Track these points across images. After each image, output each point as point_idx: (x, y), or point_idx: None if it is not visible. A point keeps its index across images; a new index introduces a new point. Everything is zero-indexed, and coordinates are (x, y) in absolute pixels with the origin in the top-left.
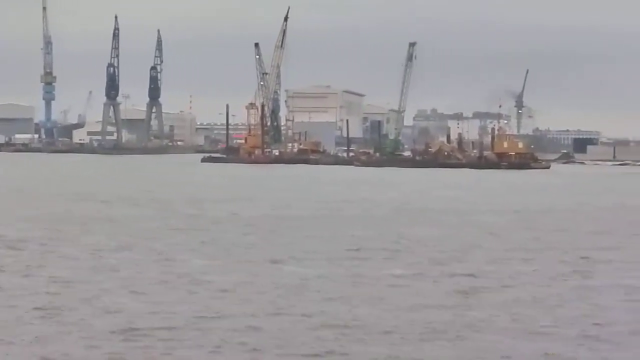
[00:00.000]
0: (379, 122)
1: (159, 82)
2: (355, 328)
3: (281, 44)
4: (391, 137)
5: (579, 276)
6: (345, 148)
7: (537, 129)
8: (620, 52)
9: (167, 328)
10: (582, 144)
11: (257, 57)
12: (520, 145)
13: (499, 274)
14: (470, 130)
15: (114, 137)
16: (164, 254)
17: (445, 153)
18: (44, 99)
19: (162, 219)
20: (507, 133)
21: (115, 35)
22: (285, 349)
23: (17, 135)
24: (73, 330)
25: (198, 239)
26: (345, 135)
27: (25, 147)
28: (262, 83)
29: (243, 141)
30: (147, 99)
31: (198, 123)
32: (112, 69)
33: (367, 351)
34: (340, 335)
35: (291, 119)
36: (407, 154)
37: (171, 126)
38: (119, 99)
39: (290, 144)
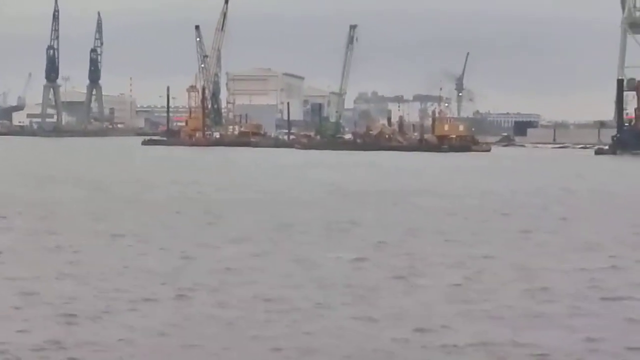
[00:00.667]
0: (320, 105)
1: (99, 64)
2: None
3: (222, 27)
4: (332, 120)
5: (523, 257)
6: (286, 131)
7: (477, 112)
8: (560, 35)
9: (105, 312)
10: (522, 127)
11: (198, 39)
12: (461, 128)
13: (440, 258)
14: (411, 113)
15: (54, 119)
16: (102, 237)
17: (387, 136)
18: None
19: (97, 201)
20: (448, 116)
21: (55, 17)
22: (228, 338)
23: None
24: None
25: (137, 222)
26: (286, 118)
27: None
28: (202, 66)
29: (184, 124)
30: (87, 82)
31: (138, 106)
32: (52, 51)
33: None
34: (275, 314)
35: (232, 101)
36: (348, 136)
37: (111, 109)
38: (59, 81)
39: (231, 127)
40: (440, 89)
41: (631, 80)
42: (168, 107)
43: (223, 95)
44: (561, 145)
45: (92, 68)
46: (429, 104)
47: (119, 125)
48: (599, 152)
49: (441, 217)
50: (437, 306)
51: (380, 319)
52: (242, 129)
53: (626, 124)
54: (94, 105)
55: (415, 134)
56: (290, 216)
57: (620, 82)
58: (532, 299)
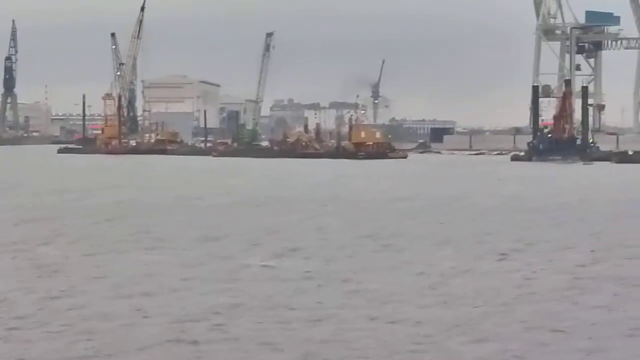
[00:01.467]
0: (237, 112)
1: (13, 72)
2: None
3: (138, 34)
4: (249, 127)
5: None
6: (203, 138)
7: (393, 118)
8: (475, 42)
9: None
10: (438, 134)
11: (114, 47)
12: (378, 135)
13: (352, 263)
14: (328, 120)
15: None
16: (16, 245)
17: (303, 143)
18: None
19: (14, 209)
20: (364, 123)
21: None
22: (135, 343)
23: None
24: None
25: (50, 229)
26: (202, 125)
27: None
28: (118, 73)
29: (100, 132)
30: (2, 90)
31: (54, 114)
32: None
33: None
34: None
35: (148, 109)
36: (265, 144)
37: (26, 117)
38: None
39: (147, 135)
40: (357, 96)
41: (546, 86)
42: (84, 114)
43: (139, 102)
44: (477, 151)
45: (7, 76)
46: (345, 111)
47: (34, 134)
48: (515, 158)
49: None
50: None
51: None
52: (159, 137)
53: (545, 130)
54: (8, 113)
55: (332, 141)
56: (212, 224)
57: (535, 89)
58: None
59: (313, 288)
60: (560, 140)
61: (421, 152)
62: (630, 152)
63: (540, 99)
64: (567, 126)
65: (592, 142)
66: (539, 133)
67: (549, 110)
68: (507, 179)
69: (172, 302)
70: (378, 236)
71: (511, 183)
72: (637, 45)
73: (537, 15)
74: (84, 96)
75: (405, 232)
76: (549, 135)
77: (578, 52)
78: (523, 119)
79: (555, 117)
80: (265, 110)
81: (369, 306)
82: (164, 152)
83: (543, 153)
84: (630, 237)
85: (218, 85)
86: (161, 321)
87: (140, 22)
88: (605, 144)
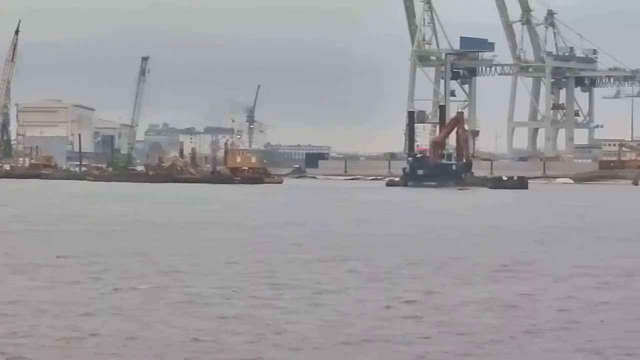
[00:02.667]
0: (112, 136)
1: None
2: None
3: (12, 58)
4: (123, 151)
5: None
6: (78, 163)
7: (268, 143)
8: (351, 68)
9: None
10: (313, 159)
11: None
12: (253, 159)
13: (224, 289)
14: (203, 145)
15: None
16: None
17: (179, 168)
18: None
19: None
20: (240, 148)
21: None
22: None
23: None
24: None
25: None
26: (77, 149)
27: None
28: None
29: None
30: None
31: None
32: None
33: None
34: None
35: (22, 133)
36: (140, 168)
37: None
38: None
39: (21, 159)
40: (233, 120)
41: (421, 112)
42: None
43: (13, 126)
44: (352, 177)
45: None
46: (220, 136)
47: None
48: (390, 183)
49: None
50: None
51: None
52: (33, 161)
53: (417, 155)
54: None
55: (208, 166)
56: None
57: (410, 114)
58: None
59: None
60: (435, 165)
61: (297, 177)
62: (504, 178)
63: (416, 125)
64: (451, 152)
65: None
66: (410, 158)
67: (424, 135)
68: (381, 205)
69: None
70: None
71: (384, 209)
72: (511, 72)
73: (412, 41)
74: None
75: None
76: (420, 160)
77: (453, 78)
78: (398, 145)
79: (432, 143)
80: (140, 135)
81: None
82: (38, 176)
83: (419, 178)
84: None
85: (93, 110)
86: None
87: (15, 45)
88: (480, 170)
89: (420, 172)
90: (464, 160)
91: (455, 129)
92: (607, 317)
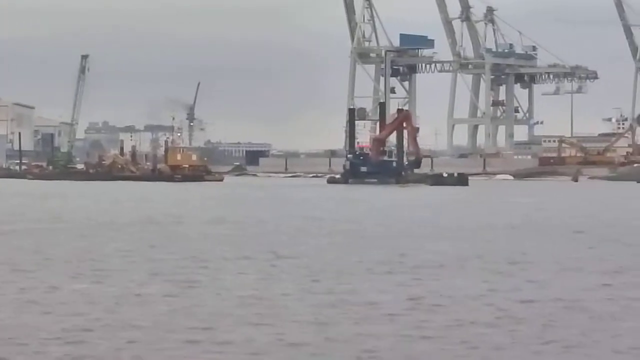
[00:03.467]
0: (51, 135)
1: None
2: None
3: None
4: (64, 150)
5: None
6: (18, 161)
7: (209, 141)
8: (291, 65)
9: None
10: (254, 157)
11: None
12: (194, 157)
13: (169, 284)
14: (144, 143)
15: None
16: None
17: (119, 166)
18: None
19: None
20: (180, 146)
21: None
22: None
23: None
24: None
25: None
26: (16, 148)
27: None
28: None
29: None
30: None
31: None
32: None
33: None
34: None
35: None
36: (80, 167)
37: None
38: None
39: None
40: (173, 118)
41: (361, 109)
42: None
43: None
44: (293, 174)
45: None
46: (161, 133)
47: None
48: (331, 181)
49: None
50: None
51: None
52: None
53: (358, 152)
54: None
55: (148, 163)
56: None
57: (351, 111)
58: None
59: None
60: (377, 163)
61: (237, 175)
62: (444, 174)
63: (356, 122)
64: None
65: (407, 165)
66: (351, 155)
67: (364, 133)
68: (320, 202)
69: None
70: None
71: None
72: (451, 68)
73: (352, 38)
74: None
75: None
76: (361, 158)
77: (393, 75)
78: (339, 142)
79: (373, 140)
80: (80, 133)
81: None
82: None
83: (359, 175)
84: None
85: (32, 108)
86: None
87: None
88: (421, 167)
89: (363, 169)
90: (414, 157)
91: (404, 125)
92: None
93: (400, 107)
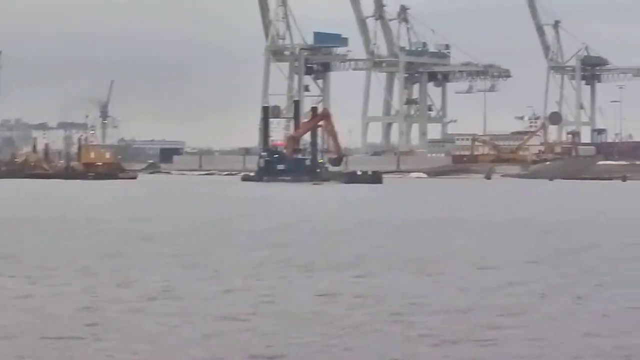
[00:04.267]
0: None
1: None
2: None
3: None
4: None
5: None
6: None
7: (122, 139)
8: (205, 62)
9: None
10: (168, 154)
11: None
12: (107, 155)
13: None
14: (57, 141)
15: None
16: None
17: (32, 163)
18: None
19: None
20: (93, 143)
21: None
22: None
23: None
24: None
25: None
26: None
27: None
28: None
29: None
30: None
31: None
32: None
33: None
34: None
35: None
36: None
37: None
38: None
39: None
40: (87, 116)
41: (275, 107)
42: None
43: None
44: (207, 172)
45: None
46: (74, 131)
47: None
48: (245, 178)
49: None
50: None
51: None
52: None
53: (272, 150)
54: None
55: (62, 161)
56: None
57: (265, 109)
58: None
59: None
60: (291, 160)
61: (151, 173)
62: (358, 172)
63: (270, 120)
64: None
65: (321, 163)
66: (265, 153)
67: (278, 130)
68: (235, 199)
69: None
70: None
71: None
72: (364, 67)
73: (267, 36)
74: None
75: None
76: (275, 155)
77: (307, 73)
78: (253, 140)
79: (289, 138)
80: None
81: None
82: None
83: (274, 173)
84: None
85: None
86: None
87: None
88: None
89: (280, 167)
90: (336, 156)
91: (324, 124)
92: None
93: (314, 105)
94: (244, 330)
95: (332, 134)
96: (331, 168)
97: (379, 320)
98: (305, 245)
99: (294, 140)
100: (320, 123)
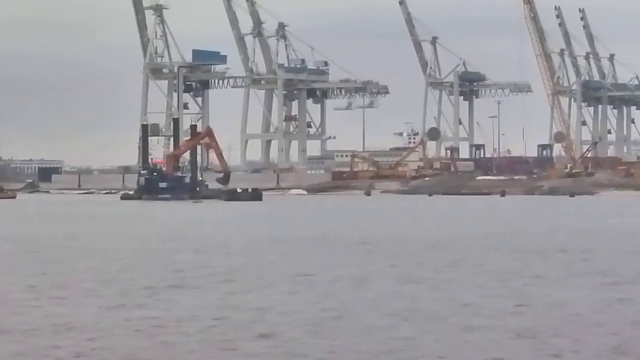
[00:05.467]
0: None
1: None
2: None
3: None
4: None
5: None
6: None
7: (0, 158)
8: (84, 81)
9: None
10: (47, 173)
11: None
12: None
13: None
14: None
15: None
16: None
17: None
18: None
19: None
20: None
21: None
22: None
23: None
24: None
25: None
26: None
27: None
28: None
29: None
30: None
31: None
32: None
33: None
34: None
35: None
36: None
37: None
38: None
39: None
40: None
41: (154, 125)
42: None
43: None
44: (87, 190)
45: None
46: None
47: None
48: (125, 197)
49: None
50: None
51: None
52: None
53: (152, 168)
54: None
55: None
56: None
57: (144, 127)
58: None
59: None
60: (171, 178)
61: (30, 192)
62: (238, 190)
63: (150, 138)
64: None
65: (201, 180)
66: (145, 171)
67: (157, 148)
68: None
69: None
70: None
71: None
72: (243, 84)
73: (145, 54)
74: None
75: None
76: (155, 174)
77: (186, 91)
78: (132, 158)
79: (169, 156)
80: None
81: None
82: None
83: (153, 191)
84: None
85: None
86: None
87: None
88: (215, 183)
89: (162, 184)
90: (223, 174)
91: (207, 141)
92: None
93: (193, 123)
94: None
95: (217, 152)
96: (212, 186)
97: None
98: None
99: (174, 158)
100: (203, 141)
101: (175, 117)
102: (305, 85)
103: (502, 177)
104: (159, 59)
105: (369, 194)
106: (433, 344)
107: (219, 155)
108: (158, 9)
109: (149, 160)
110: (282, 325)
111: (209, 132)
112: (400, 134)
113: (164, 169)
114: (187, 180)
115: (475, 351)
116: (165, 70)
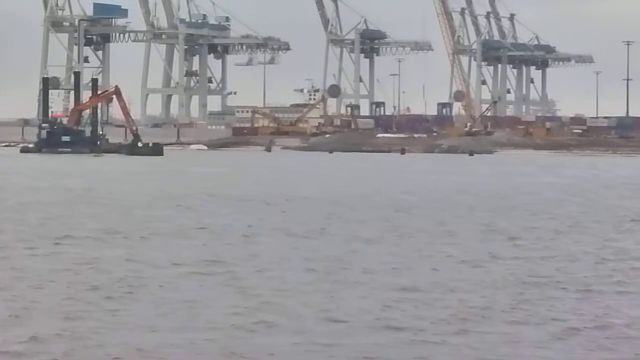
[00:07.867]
0: None
1: None
2: None
3: None
4: None
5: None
6: None
7: None
8: None
9: None
10: None
11: None
12: None
13: None
14: None
15: None
16: None
17: None
18: None
19: None
20: None
21: None
22: None
23: None
24: None
25: None
26: None
27: None
28: None
29: None
30: None
31: None
32: None
33: None
34: None
35: None
36: None
37: None
38: None
39: None
40: None
41: (54, 78)
42: None
43: None
44: None
45: None
46: None
47: None
48: (24, 150)
49: None
50: None
51: None
52: None
53: (53, 122)
54: None
55: None
56: None
57: (45, 80)
58: None
59: None
60: (73, 132)
61: None
62: (139, 144)
63: (50, 91)
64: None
65: (101, 134)
66: (46, 125)
67: (57, 102)
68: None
69: None
70: None
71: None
72: (144, 38)
73: (45, 7)
74: None
75: None
76: (55, 127)
77: (86, 45)
78: (31, 111)
79: (72, 110)
80: None
81: None
82: None
83: (53, 145)
84: None
85: None
86: None
87: None
88: (115, 136)
89: (65, 138)
90: (134, 131)
91: (115, 100)
92: None
93: (94, 77)
94: None
95: (125, 110)
96: (112, 140)
97: None
98: None
99: (78, 112)
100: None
101: (76, 70)
102: (206, 41)
103: (402, 135)
104: (59, 12)
105: (269, 150)
106: None
107: (127, 114)
108: None
109: (50, 114)
110: None
111: (117, 91)
112: (301, 91)
113: (64, 122)
114: (88, 134)
115: None
116: (65, 24)
